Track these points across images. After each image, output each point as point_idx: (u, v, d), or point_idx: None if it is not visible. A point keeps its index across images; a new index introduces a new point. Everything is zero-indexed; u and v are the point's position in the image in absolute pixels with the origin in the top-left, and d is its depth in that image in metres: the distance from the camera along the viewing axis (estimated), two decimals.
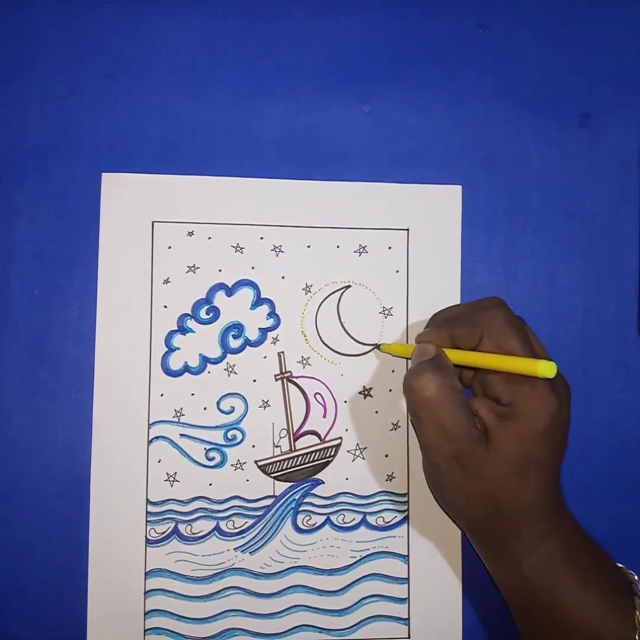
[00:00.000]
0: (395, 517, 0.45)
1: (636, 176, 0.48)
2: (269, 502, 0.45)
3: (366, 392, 0.46)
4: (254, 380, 0.45)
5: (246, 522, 0.44)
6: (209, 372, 0.45)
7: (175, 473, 0.44)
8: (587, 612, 0.38)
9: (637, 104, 0.48)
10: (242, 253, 0.45)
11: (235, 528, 0.44)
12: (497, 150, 0.47)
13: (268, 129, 0.46)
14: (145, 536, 0.44)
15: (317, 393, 0.45)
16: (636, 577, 0.40)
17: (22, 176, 0.45)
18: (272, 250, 0.46)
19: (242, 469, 0.45)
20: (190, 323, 0.45)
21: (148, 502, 0.44)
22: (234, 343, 0.45)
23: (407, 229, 0.46)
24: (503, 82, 0.48)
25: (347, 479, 0.45)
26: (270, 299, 0.46)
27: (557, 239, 0.47)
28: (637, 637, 0.37)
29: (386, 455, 0.45)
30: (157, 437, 0.44)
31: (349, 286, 0.46)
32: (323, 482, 0.45)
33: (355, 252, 0.46)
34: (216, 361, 0.45)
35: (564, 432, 0.39)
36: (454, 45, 0.48)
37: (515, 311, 0.46)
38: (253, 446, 0.45)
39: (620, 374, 0.47)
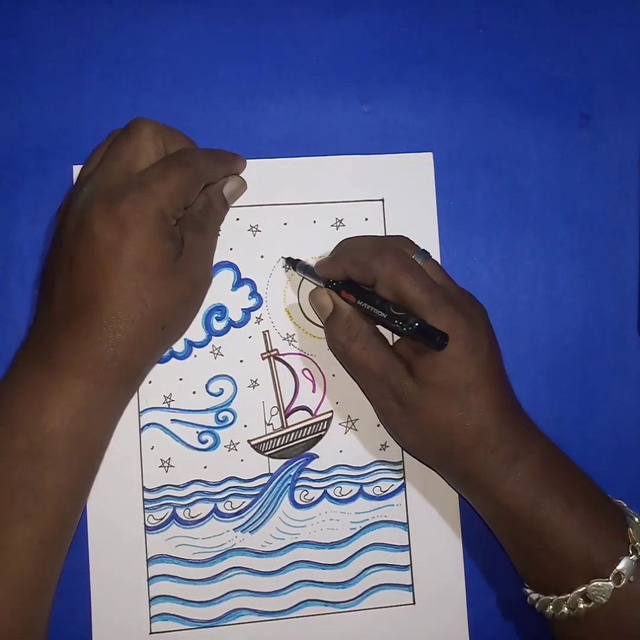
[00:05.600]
0: (392, 485, 0.45)
1: (636, 176, 0.48)
2: (265, 480, 0.45)
3: None
4: (241, 361, 0.45)
5: (244, 502, 0.44)
6: (195, 356, 0.45)
7: (169, 458, 0.44)
8: (576, 531, 0.38)
9: (637, 104, 0.48)
10: (219, 235, 0.45)
11: (233, 508, 0.44)
12: (497, 150, 0.47)
13: (268, 129, 0.46)
14: (144, 523, 0.44)
15: (305, 369, 0.46)
16: (625, 504, 0.40)
17: (22, 176, 0.45)
18: (248, 230, 0.46)
19: (236, 450, 0.45)
20: None
21: (144, 489, 0.44)
22: (218, 325, 0.45)
23: (382, 199, 0.46)
24: (503, 82, 0.48)
25: (341, 451, 0.45)
26: (251, 278, 0.46)
27: (557, 239, 0.47)
28: (630, 551, 0.37)
29: (378, 425, 0.45)
30: (148, 424, 0.44)
31: None
32: (317, 457, 0.45)
33: (332, 226, 0.46)
34: (201, 344, 0.45)
35: (488, 350, 0.40)
36: (454, 45, 0.48)
37: (515, 311, 0.47)
38: (245, 426, 0.45)
39: (620, 374, 0.47)
